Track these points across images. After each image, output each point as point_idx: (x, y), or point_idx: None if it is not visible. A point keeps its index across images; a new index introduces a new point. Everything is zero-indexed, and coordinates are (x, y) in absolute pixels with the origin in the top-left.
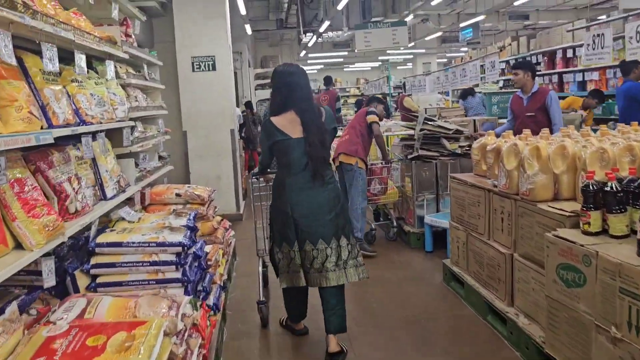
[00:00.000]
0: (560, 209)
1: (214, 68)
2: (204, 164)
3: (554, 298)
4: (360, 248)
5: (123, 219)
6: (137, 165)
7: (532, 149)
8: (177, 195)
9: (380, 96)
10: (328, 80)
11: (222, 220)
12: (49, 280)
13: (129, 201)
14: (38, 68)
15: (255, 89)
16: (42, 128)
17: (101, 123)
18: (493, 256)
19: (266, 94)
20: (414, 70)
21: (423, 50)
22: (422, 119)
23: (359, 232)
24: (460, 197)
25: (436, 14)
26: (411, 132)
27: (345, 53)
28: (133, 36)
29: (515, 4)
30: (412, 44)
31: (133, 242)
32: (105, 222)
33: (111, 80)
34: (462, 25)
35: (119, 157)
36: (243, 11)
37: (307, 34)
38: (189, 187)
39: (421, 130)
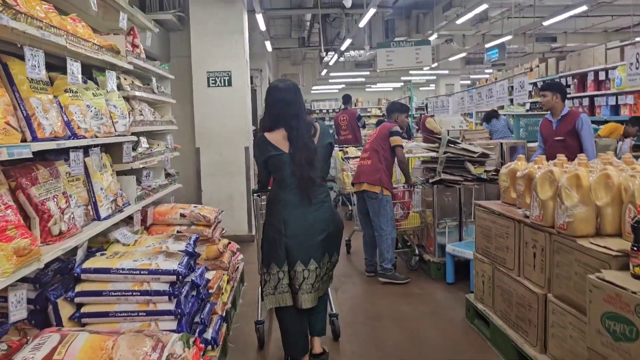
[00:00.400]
0: (605, 247)
1: (229, 84)
2: (217, 183)
3: (598, 352)
4: (392, 277)
5: (118, 241)
6: (139, 182)
7: (571, 178)
8: (182, 215)
9: (403, 101)
10: (347, 99)
11: (229, 243)
12: (18, 312)
13: (130, 220)
14: (25, 76)
15: None
16: (24, 140)
17: (97, 137)
18: (523, 295)
19: None
20: (436, 92)
21: (446, 72)
22: (446, 141)
23: (388, 262)
24: (487, 227)
25: (461, 34)
26: (433, 154)
27: (367, 73)
28: (141, 47)
29: (545, 23)
30: (435, 64)
31: (123, 269)
32: (102, 243)
33: (112, 92)
34: (487, 45)
35: (119, 173)
36: (263, 27)
37: (329, 53)
38: (195, 207)
39: (444, 152)
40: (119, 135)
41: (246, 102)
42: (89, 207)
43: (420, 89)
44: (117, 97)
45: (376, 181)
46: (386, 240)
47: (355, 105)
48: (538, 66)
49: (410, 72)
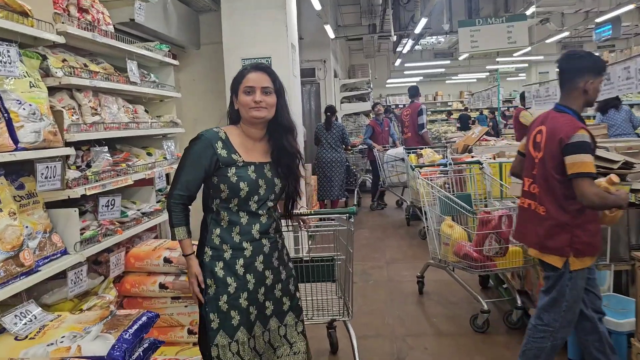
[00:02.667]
0: None
1: None
2: None
3: None
4: None
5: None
6: (95, 217)
7: None
8: (167, 261)
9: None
10: (413, 92)
11: None
12: None
13: (97, 267)
14: None
15: (341, 102)
16: None
17: None
18: None
19: (353, 107)
20: (528, 81)
21: (541, 57)
22: None
23: None
24: None
25: (559, 12)
26: None
27: (448, 62)
28: (102, 15)
29: None
30: (529, 48)
31: None
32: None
33: (19, 80)
34: (599, 20)
35: (52, 205)
36: (317, 5)
37: (403, 40)
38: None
39: None
40: (18, 150)
41: (291, 95)
42: None
43: (508, 79)
44: (27, 87)
45: (557, 246)
46: (544, 342)
47: (435, 99)
48: None
49: (498, 59)
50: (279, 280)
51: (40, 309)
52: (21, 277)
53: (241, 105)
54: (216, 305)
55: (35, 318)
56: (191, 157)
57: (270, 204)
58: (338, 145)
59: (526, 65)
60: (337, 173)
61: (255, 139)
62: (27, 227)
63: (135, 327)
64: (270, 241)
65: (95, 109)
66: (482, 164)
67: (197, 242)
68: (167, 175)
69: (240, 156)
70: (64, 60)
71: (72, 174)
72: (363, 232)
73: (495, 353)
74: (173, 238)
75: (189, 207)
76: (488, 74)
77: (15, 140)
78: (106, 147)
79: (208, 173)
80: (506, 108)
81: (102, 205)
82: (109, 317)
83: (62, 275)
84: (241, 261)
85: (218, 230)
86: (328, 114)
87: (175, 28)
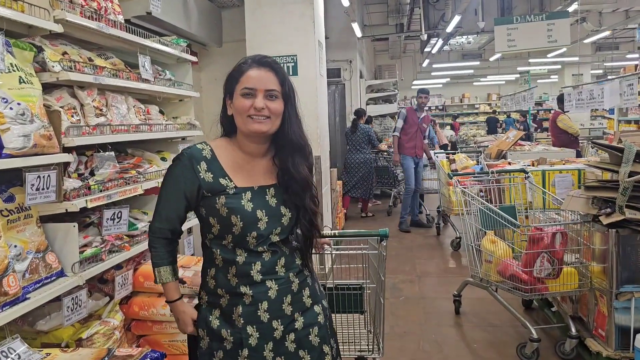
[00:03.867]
0: None
1: (295, 72)
2: None
3: None
4: None
5: None
6: (99, 231)
7: None
8: (180, 281)
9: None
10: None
11: None
12: None
13: (103, 285)
14: None
15: (367, 104)
16: None
17: None
18: None
19: (379, 109)
20: (560, 84)
21: (576, 58)
22: (632, 155)
23: None
24: None
25: (596, 11)
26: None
27: (477, 63)
28: (110, 3)
29: None
30: (563, 49)
31: None
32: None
33: (6, 74)
34: None
35: (47, 219)
36: (345, 2)
37: (432, 40)
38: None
39: (631, 174)
40: (2, 157)
41: (318, 95)
42: None
43: (539, 81)
44: (16, 82)
45: None
46: None
47: (462, 101)
48: None
49: (530, 60)
50: (292, 330)
51: (25, 346)
52: (4, 308)
53: (237, 111)
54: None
55: (19, 358)
56: (169, 183)
57: (275, 238)
58: (363, 146)
59: (559, 67)
60: (362, 173)
61: (255, 155)
62: (15, 246)
63: None
64: (279, 283)
65: (101, 109)
66: (527, 172)
67: None
68: None
69: (231, 180)
70: (64, 54)
71: (71, 183)
72: (390, 241)
73: None
74: (155, 281)
75: (176, 240)
76: (518, 75)
77: (0, 146)
78: (113, 152)
79: (192, 203)
80: (536, 111)
81: (107, 219)
82: (106, 358)
83: (60, 298)
84: (239, 310)
85: (213, 271)
86: (354, 117)
87: (195, 24)
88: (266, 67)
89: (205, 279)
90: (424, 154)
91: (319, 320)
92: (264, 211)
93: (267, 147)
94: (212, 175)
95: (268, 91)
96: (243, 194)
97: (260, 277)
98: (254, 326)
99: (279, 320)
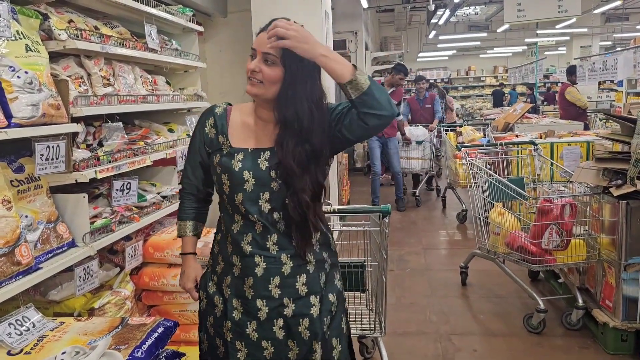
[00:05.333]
0: None
1: None
2: None
3: None
4: None
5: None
6: (109, 202)
7: None
8: None
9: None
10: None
11: None
12: None
13: (112, 256)
14: None
15: (372, 76)
16: None
17: None
18: None
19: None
20: (568, 56)
21: (584, 30)
22: None
23: None
24: None
25: None
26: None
27: (484, 35)
28: None
29: None
30: (572, 20)
31: None
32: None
33: (12, 42)
34: None
35: (57, 190)
36: None
37: (438, 11)
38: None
39: None
40: (11, 127)
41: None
42: None
43: (546, 53)
44: (23, 50)
45: None
46: None
47: (467, 74)
48: None
49: (538, 31)
50: (280, 316)
51: (39, 315)
52: (18, 278)
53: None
54: (205, 325)
55: (34, 327)
56: (192, 137)
57: (265, 207)
58: None
59: (567, 38)
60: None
61: (265, 120)
62: (26, 216)
63: (150, 341)
64: (269, 262)
65: (108, 79)
66: (536, 144)
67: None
68: None
69: (227, 139)
70: (70, 22)
71: (80, 154)
72: (396, 214)
73: (554, 358)
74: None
75: (205, 200)
76: (526, 47)
77: (8, 115)
78: (121, 123)
79: (204, 158)
80: (542, 84)
81: (117, 190)
82: (120, 327)
83: (71, 268)
84: (228, 280)
85: (219, 236)
86: None
87: None
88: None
89: (212, 243)
90: (398, 133)
91: (311, 312)
92: (251, 172)
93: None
94: (214, 132)
95: (265, 54)
96: (236, 154)
97: (250, 249)
98: (239, 300)
99: (264, 301)
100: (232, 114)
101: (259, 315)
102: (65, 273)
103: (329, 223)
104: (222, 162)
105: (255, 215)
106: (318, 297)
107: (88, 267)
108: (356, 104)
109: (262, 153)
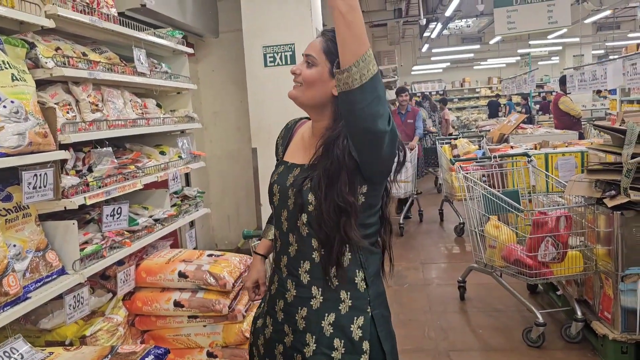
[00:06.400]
0: None
1: (293, 61)
2: None
3: None
4: None
5: None
6: (99, 228)
7: None
8: (182, 275)
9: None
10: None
11: None
12: None
13: (105, 281)
14: None
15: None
16: None
17: None
18: None
19: None
20: (561, 65)
21: (576, 39)
22: (635, 136)
23: None
24: None
25: None
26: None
27: (477, 47)
28: None
29: None
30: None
31: None
32: None
33: None
34: None
35: (47, 217)
36: None
37: (431, 24)
38: (210, 256)
39: (633, 156)
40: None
41: None
42: None
43: (539, 63)
44: (9, 80)
45: None
46: None
47: (462, 85)
48: None
49: (531, 42)
50: (281, 342)
51: (28, 345)
52: (5, 308)
53: None
54: (253, 327)
55: (22, 358)
56: None
57: (284, 225)
58: None
59: (559, 48)
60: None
61: (316, 133)
62: (14, 245)
63: None
64: (279, 283)
65: (97, 105)
66: (530, 156)
67: None
68: (187, 176)
69: (283, 152)
70: (57, 49)
71: (69, 180)
72: (393, 228)
73: None
74: None
75: None
76: (519, 58)
77: None
78: (110, 147)
79: None
80: (545, 93)
81: (107, 215)
82: (109, 356)
83: (62, 296)
84: (267, 295)
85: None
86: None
87: (191, 15)
88: (321, 35)
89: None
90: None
91: (304, 350)
92: (278, 187)
93: (324, 125)
94: (280, 142)
95: (307, 56)
96: (279, 167)
97: (286, 272)
98: (272, 319)
99: (271, 320)
100: (300, 127)
101: (265, 332)
102: (56, 301)
103: None
104: (273, 172)
105: (277, 232)
106: (314, 337)
107: (78, 294)
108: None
109: (294, 169)
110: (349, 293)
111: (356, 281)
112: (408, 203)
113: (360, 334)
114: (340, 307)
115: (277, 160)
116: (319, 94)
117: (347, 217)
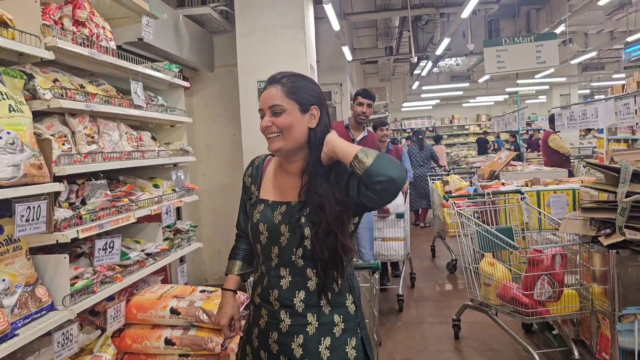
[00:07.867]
0: None
1: None
2: None
3: None
4: None
5: None
6: (91, 262)
7: None
8: (174, 312)
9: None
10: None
11: None
12: None
13: (94, 318)
14: None
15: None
16: None
17: None
18: None
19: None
20: (549, 104)
21: (563, 79)
22: (629, 174)
23: None
24: None
25: (582, 33)
26: (595, 193)
27: (467, 85)
28: (102, 29)
29: None
30: (551, 70)
31: None
32: None
33: None
34: (630, 39)
35: (37, 250)
36: (336, 25)
37: (421, 62)
38: (202, 292)
39: (628, 195)
40: None
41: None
42: None
43: (527, 101)
44: (5, 110)
45: None
46: None
47: (451, 122)
48: None
49: (519, 81)
50: None
51: None
52: None
53: None
54: None
55: None
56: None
57: (275, 261)
58: (426, 162)
59: (547, 87)
60: (427, 186)
61: (289, 172)
62: (3, 280)
63: None
64: (270, 315)
65: (92, 137)
66: (523, 193)
67: None
68: (179, 209)
69: (257, 189)
70: (55, 81)
71: (62, 213)
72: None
73: None
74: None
75: None
76: (507, 96)
77: None
78: (104, 180)
79: (246, 206)
80: (532, 131)
81: (99, 249)
82: None
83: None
84: (256, 331)
85: (252, 280)
86: (420, 136)
87: (187, 49)
88: (273, 84)
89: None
90: None
91: None
92: (265, 225)
93: (300, 165)
94: (250, 181)
95: (271, 107)
96: (258, 205)
97: (259, 300)
98: (266, 353)
99: (265, 353)
100: (269, 165)
101: None
102: (44, 337)
103: None
104: (249, 211)
105: (264, 267)
106: None
107: (67, 331)
108: (362, 178)
109: (278, 206)
110: (341, 316)
111: (347, 304)
112: (403, 268)
113: (355, 354)
114: (334, 331)
115: (250, 198)
116: (299, 134)
117: (341, 235)
